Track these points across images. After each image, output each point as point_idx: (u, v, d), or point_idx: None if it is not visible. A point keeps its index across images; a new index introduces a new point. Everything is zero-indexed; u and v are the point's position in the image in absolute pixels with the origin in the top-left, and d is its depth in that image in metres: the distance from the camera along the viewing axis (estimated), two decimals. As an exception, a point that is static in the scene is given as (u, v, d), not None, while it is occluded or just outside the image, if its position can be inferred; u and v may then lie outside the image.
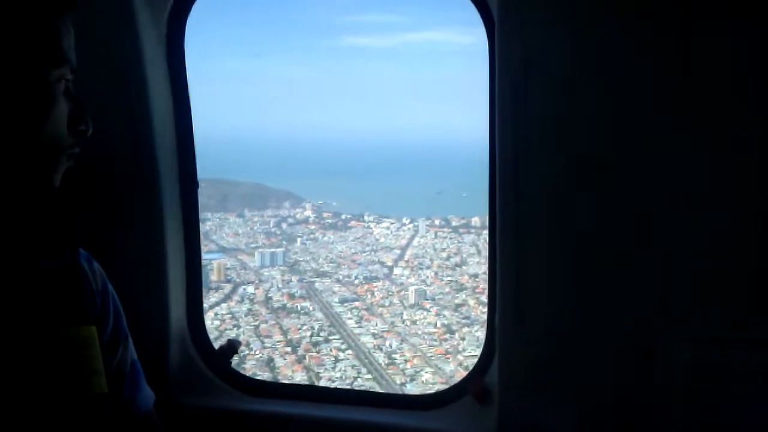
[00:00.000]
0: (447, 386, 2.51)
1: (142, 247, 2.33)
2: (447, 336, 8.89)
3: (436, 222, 12.46)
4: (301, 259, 11.06)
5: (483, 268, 11.33)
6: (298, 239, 11.68)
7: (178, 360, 2.42)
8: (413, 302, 9.63)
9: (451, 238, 11.85)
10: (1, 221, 1.22)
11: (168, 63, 2.32)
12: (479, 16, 2.21)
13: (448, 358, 8.52)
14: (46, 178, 1.21)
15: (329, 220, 12.83)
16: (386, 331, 8.99)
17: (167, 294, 2.35)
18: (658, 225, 2.01)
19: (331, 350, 8.54)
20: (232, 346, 2.49)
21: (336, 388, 3.03)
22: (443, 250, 11.43)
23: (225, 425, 2.41)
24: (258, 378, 2.94)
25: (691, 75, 1.93)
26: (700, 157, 1.96)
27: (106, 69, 2.12)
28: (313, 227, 12.29)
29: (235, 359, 2.52)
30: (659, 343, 2.02)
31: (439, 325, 9.08)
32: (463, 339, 8.82)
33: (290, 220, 12.57)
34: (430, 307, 9.49)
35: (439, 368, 8.30)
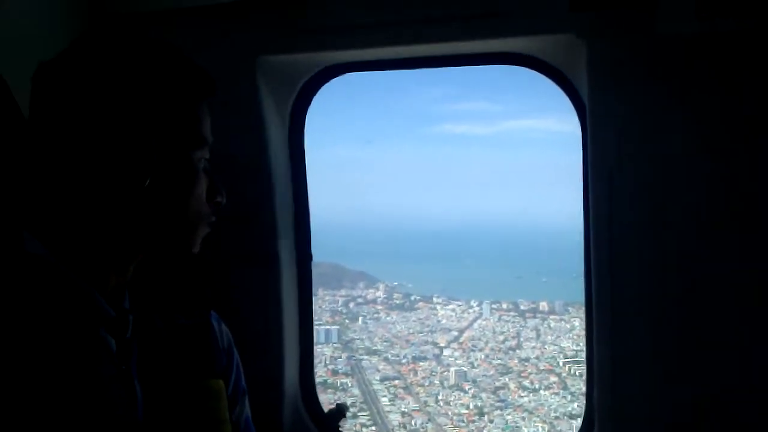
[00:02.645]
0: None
1: (262, 314, 2.48)
2: (476, 418, 8.80)
3: (504, 305, 12.41)
4: (357, 337, 11.32)
5: (536, 353, 11.09)
6: (360, 318, 12.00)
7: (290, 422, 2.53)
8: (453, 383, 9.65)
9: (513, 322, 11.74)
10: (149, 284, 1.38)
11: (289, 147, 2.55)
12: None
13: (468, 440, 8.46)
14: (187, 245, 1.32)
15: (397, 301, 13.07)
16: (416, 410, 9.03)
17: (283, 359, 2.46)
18: (748, 310, 1.99)
19: (355, 425, 8.70)
20: (341, 410, 2.55)
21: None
22: (501, 333, 11.34)
23: None
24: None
25: None
26: None
27: (234, 151, 2.29)
28: (379, 307, 12.58)
29: (343, 423, 2.59)
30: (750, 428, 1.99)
31: (471, 406, 9.00)
32: (491, 422, 8.71)
33: (359, 300, 12.88)
34: (469, 388, 9.45)
35: (456, 449, 8.25)
